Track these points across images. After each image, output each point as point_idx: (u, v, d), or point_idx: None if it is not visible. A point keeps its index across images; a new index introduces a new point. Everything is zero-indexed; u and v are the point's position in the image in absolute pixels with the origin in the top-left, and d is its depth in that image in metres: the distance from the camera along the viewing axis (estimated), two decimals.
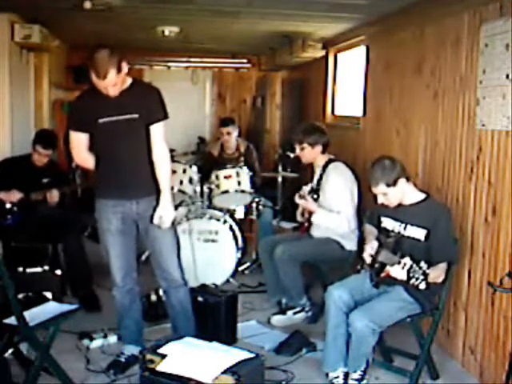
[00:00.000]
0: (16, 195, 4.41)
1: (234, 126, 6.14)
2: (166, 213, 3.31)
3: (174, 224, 3.40)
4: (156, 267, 3.48)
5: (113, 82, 3.13)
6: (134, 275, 3.51)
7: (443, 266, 3.20)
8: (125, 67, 3.16)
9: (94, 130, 3.31)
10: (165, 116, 3.32)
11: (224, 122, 6.22)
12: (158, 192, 3.33)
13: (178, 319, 3.56)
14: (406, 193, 3.32)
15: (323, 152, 4.35)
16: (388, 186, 3.24)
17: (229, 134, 6.09)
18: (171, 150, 4.18)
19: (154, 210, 3.32)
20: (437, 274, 3.15)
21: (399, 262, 3.02)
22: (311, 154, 4.34)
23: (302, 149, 4.33)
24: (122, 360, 3.52)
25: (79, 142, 3.37)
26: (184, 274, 3.51)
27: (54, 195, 4.51)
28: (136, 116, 3.25)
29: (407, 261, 2.98)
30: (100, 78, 3.09)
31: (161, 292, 4.24)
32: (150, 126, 3.29)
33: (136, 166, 3.32)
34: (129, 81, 3.30)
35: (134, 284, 3.51)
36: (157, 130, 3.30)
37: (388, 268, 3.13)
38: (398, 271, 3.03)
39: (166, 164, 3.36)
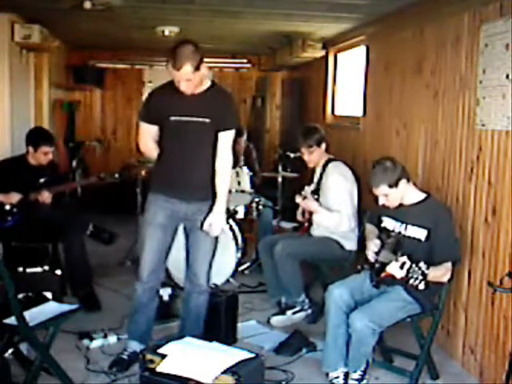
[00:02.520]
0: (15, 197, 4.40)
1: (243, 135, 6.02)
2: (217, 221, 3.32)
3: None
4: (187, 268, 3.49)
5: (186, 77, 3.11)
6: (161, 276, 3.52)
7: (448, 265, 3.19)
8: (203, 68, 3.15)
9: (164, 126, 3.32)
10: (235, 125, 3.35)
11: (237, 131, 5.99)
12: (212, 199, 3.33)
13: (189, 322, 3.55)
14: (406, 193, 3.32)
15: (327, 148, 4.37)
16: (390, 187, 3.24)
17: (238, 143, 5.99)
18: None
19: (206, 215, 3.32)
20: (441, 272, 3.15)
21: (397, 260, 3.02)
22: (319, 153, 4.36)
23: (311, 152, 4.34)
24: (125, 357, 3.51)
25: (148, 131, 3.38)
26: (210, 282, 3.53)
27: (45, 196, 4.48)
28: (207, 120, 3.25)
29: (405, 259, 2.98)
30: (175, 68, 3.09)
31: (161, 292, 4.23)
32: (219, 132, 3.29)
33: (196, 169, 3.32)
34: (207, 84, 3.30)
35: (158, 284, 3.52)
36: (225, 138, 3.30)
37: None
38: (395, 268, 3.03)
39: (228, 173, 3.36)
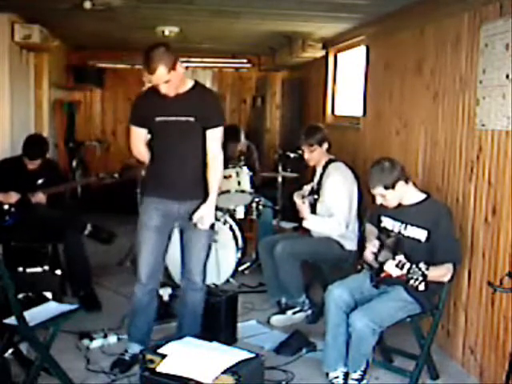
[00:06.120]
0: (13, 197, 4.41)
1: (240, 140, 6.01)
2: (207, 214, 3.33)
3: (212, 229, 3.44)
4: (182, 265, 3.51)
5: (163, 79, 3.13)
6: (160, 277, 3.53)
7: (449, 265, 3.19)
8: (180, 67, 3.17)
9: (151, 128, 3.36)
10: (222, 122, 3.36)
11: (235, 136, 5.93)
12: (204, 197, 3.34)
13: (186, 319, 3.55)
14: (405, 194, 3.31)
15: (328, 148, 4.38)
16: (386, 188, 3.24)
17: (235, 146, 6.00)
18: None
19: (197, 209, 3.33)
20: (442, 272, 3.14)
21: (394, 258, 3.02)
22: (320, 153, 4.36)
23: (312, 151, 4.35)
24: (127, 358, 3.51)
25: (137, 136, 3.43)
26: (206, 280, 3.53)
27: (39, 198, 4.47)
28: (192, 119, 3.28)
29: (402, 258, 2.98)
30: (149, 72, 3.12)
31: (161, 292, 4.23)
32: (207, 130, 3.31)
33: (186, 168, 3.35)
34: (190, 83, 3.32)
35: (157, 286, 3.53)
36: (213, 135, 3.32)
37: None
38: (391, 267, 3.03)
39: (219, 169, 3.38)
